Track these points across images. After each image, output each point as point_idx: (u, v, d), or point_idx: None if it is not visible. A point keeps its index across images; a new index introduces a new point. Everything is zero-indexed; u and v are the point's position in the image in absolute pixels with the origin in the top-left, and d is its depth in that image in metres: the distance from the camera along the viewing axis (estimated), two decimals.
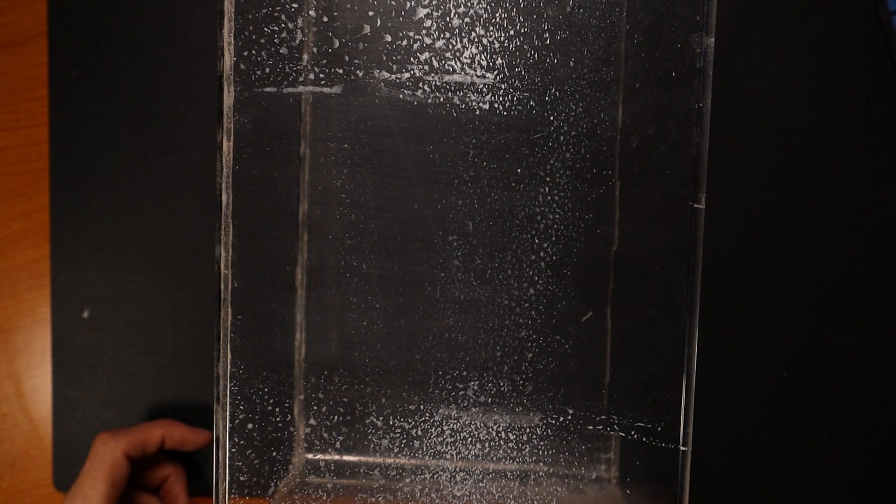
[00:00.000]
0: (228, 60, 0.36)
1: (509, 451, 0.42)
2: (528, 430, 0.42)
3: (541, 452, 0.42)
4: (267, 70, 0.39)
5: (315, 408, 0.43)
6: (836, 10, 0.46)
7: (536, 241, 0.42)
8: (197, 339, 0.49)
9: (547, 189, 0.41)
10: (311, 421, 0.43)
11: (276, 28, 0.38)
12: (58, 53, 0.49)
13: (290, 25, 0.39)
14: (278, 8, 0.38)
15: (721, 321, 0.47)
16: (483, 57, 0.40)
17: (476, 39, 0.40)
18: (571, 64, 0.40)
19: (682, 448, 0.37)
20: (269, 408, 0.41)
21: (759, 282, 0.47)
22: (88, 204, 0.49)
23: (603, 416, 0.42)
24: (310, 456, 0.43)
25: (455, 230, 0.42)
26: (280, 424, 0.42)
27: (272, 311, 0.42)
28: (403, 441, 0.42)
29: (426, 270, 0.42)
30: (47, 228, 0.49)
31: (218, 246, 0.36)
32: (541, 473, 0.42)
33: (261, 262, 0.41)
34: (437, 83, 0.40)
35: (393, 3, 0.39)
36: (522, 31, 0.40)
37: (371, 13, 0.40)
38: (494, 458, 0.42)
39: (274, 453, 0.42)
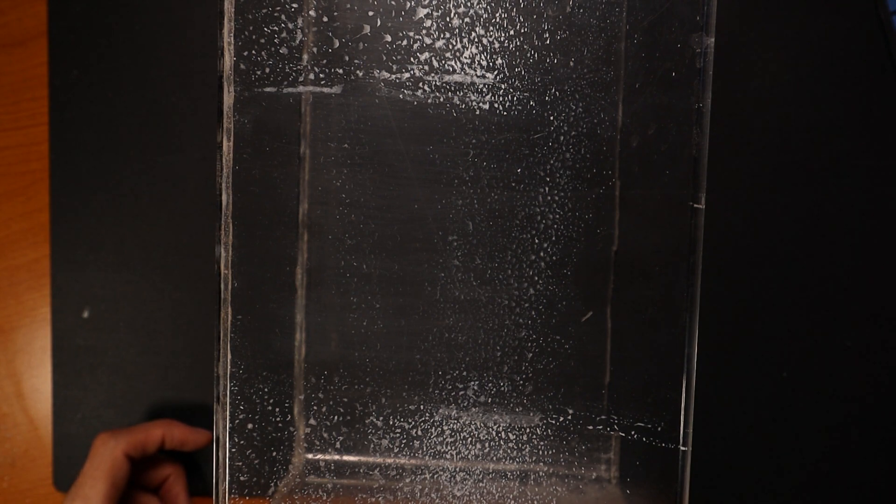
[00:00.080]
0: (228, 60, 0.36)
1: (509, 451, 0.42)
2: (528, 430, 0.42)
3: (541, 452, 0.42)
4: (267, 70, 0.39)
5: (315, 408, 0.43)
6: (836, 10, 0.46)
7: (536, 241, 0.42)
8: (197, 339, 0.49)
9: (547, 189, 0.41)
10: (311, 421, 0.43)
11: (276, 28, 0.38)
12: (58, 53, 0.49)
13: (290, 25, 0.39)
14: (278, 8, 0.38)
15: (721, 321, 0.47)
16: (483, 57, 0.40)
17: (476, 39, 0.40)
18: (571, 64, 0.40)
19: (682, 448, 0.37)
20: (269, 408, 0.41)
21: (759, 282, 0.47)
22: (88, 204, 0.49)
23: (603, 416, 0.42)
24: (310, 456, 0.43)
25: (455, 230, 0.42)
26: (280, 424, 0.42)
27: (272, 311, 0.42)
28: (403, 441, 0.42)
29: (426, 270, 0.42)
30: (47, 228, 0.49)
31: (218, 246, 0.36)
32: (541, 473, 0.42)
33: (261, 262, 0.41)
34: (437, 83, 0.40)
35: (393, 3, 0.39)
36: (522, 31, 0.40)
37: (371, 13, 0.40)
38: (494, 458, 0.42)
39: (274, 453, 0.42)
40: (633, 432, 0.41)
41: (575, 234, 0.42)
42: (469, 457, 0.42)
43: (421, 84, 0.40)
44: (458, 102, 0.40)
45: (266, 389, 0.41)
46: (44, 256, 0.50)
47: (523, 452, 0.42)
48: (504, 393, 0.42)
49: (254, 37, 0.38)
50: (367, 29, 0.40)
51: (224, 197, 0.36)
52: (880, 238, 0.47)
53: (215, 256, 0.36)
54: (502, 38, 0.40)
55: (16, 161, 0.50)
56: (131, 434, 0.43)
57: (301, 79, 0.40)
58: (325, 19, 0.40)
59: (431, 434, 0.42)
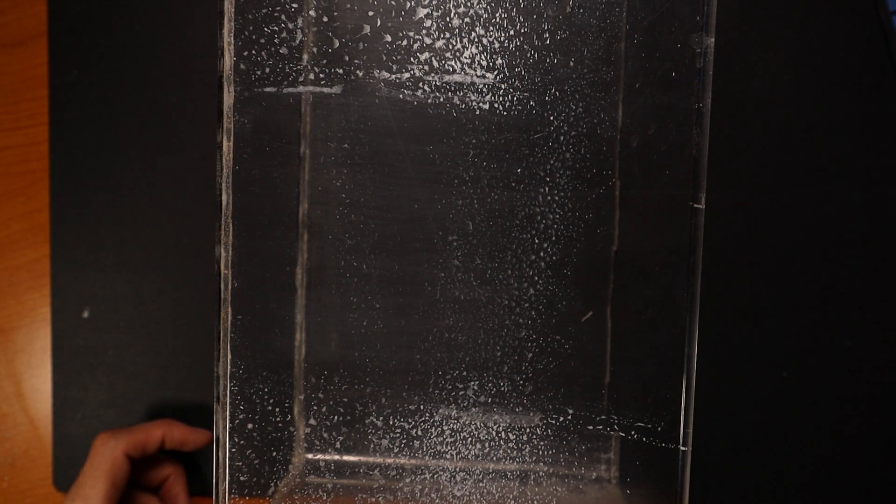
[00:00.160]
0: (228, 60, 0.36)
1: (509, 451, 0.42)
2: (528, 430, 0.42)
3: (541, 452, 0.42)
4: (267, 70, 0.39)
5: (315, 408, 0.43)
6: (836, 10, 0.46)
7: (536, 241, 0.42)
8: (197, 339, 0.49)
9: (547, 189, 0.41)
10: (311, 421, 0.43)
11: (276, 28, 0.38)
12: (58, 53, 0.49)
13: (290, 25, 0.39)
14: (278, 8, 0.38)
15: (721, 321, 0.47)
16: (483, 57, 0.40)
17: (476, 39, 0.40)
18: (571, 64, 0.40)
19: (682, 448, 0.37)
20: (269, 408, 0.41)
21: (759, 281, 0.47)
22: (88, 204, 0.49)
23: (603, 416, 0.42)
24: (310, 456, 0.43)
25: (455, 230, 0.42)
26: (280, 424, 0.42)
27: (272, 311, 0.42)
28: (403, 441, 0.42)
29: (426, 270, 0.42)
30: (47, 228, 0.49)
31: (218, 246, 0.36)
32: (541, 473, 0.42)
33: (261, 262, 0.41)
34: (437, 83, 0.40)
35: (393, 3, 0.39)
36: (522, 31, 0.40)
37: (371, 13, 0.40)
38: (494, 458, 0.42)
39: (274, 453, 0.42)
40: (633, 432, 0.41)
41: (575, 234, 0.42)
42: (469, 457, 0.42)
43: (421, 84, 0.40)
44: (458, 102, 0.40)
45: (266, 389, 0.41)
46: (44, 256, 0.50)
47: (523, 452, 0.42)
48: (504, 393, 0.42)
49: (254, 37, 0.38)
50: (367, 29, 0.40)
51: (224, 197, 0.36)
52: (880, 238, 0.47)
53: (215, 256, 0.36)
54: (502, 38, 0.40)
55: (16, 161, 0.50)
56: (131, 434, 0.43)
57: (301, 79, 0.40)
58: (325, 19, 0.40)
59: (431, 434, 0.42)
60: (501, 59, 0.40)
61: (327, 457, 0.43)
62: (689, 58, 0.36)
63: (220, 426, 0.37)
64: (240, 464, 0.39)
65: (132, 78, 0.48)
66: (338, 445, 0.43)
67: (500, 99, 0.40)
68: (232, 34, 0.36)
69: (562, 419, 0.42)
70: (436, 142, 0.41)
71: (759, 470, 0.47)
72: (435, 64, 0.40)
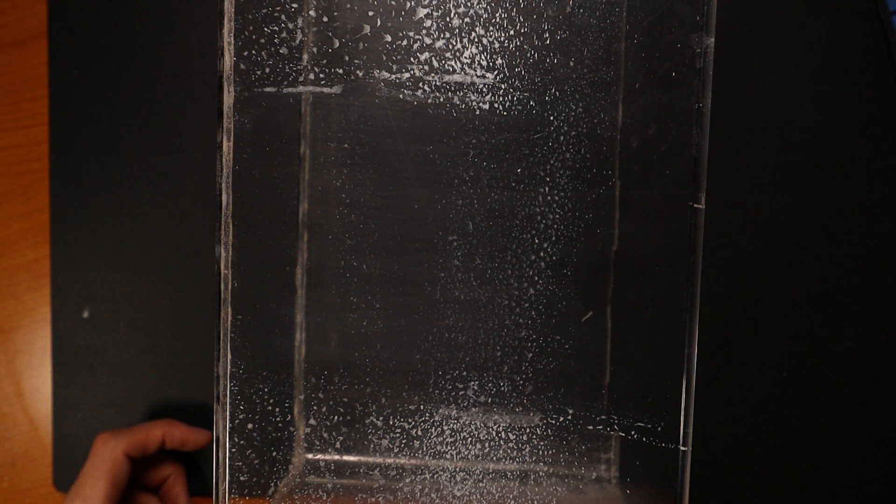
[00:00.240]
0: (228, 60, 0.36)
1: (509, 451, 0.42)
2: (528, 430, 0.42)
3: (541, 452, 0.42)
4: (267, 70, 0.39)
5: (315, 408, 0.43)
6: (836, 10, 0.46)
7: (536, 241, 0.42)
8: (197, 339, 0.49)
9: (547, 189, 0.41)
10: (311, 421, 0.43)
11: (276, 28, 0.38)
12: (58, 53, 0.49)
13: (290, 25, 0.39)
14: (278, 8, 0.38)
15: (721, 321, 0.47)
16: (483, 57, 0.40)
17: (476, 39, 0.40)
18: (571, 64, 0.40)
19: (682, 448, 0.37)
20: (269, 408, 0.41)
21: (759, 281, 0.47)
22: (88, 204, 0.49)
23: (603, 416, 0.42)
24: (310, 456, 0.43)
25: (455, 230, 0.42)
26: (280, 424, 0.42)
27: (272, 311, 0.42)
28: (403, 441, 0.42)
29: (426, 270, 0.42)
30: (47, 228, 0.49)
31: (218, 246, 0.36)
32: (541, 473, 0.42)
33: (261, 262, 0.41)
34: (437, 83, 0.40)
35: (393, 3, 0.39)
36: (522, 31, 0.40)
37: (371, 13, 0.40)
38: (494, 458, 0.42)
39: (274, 453, 0.42)
40: (633, 432, 0.41)
41: (575, 234, 0.42)
42: (469, 457, 0.42)
43: (421, 84, 0.40)
44: (458, 102, 0.40)
45: (266, 389, 0.41)
46: (44, 256, 0.50)
47: (523, 452, 0.42)
48: (504, 393, 0.42)
49: (254, 37, 0.38)
50: (367, 29, 0.40)
51: (224, 197, 0.36)
52: (880, 238, 0.47)
53: (215, 256, 0.36)
54: (502, 38, 0.40)
55: (16, 161, 0.50)
56: (132, 434, 0.43)
57: (301, 79, 0.40)
58: (325, 19, 0.40)
59: (431, 434, 0.42)
60: (501, 59, 0.40)
61: (327, 457, 0.43)
62: (689, 58, 0.36)
63: (220, 426, 0.37)
64: (240, 464, 0.39)
65: (132, 78, 0.48)
66: (338, 445, 0.43)
67: (500, 99, 0.40)
68: (232, 34, 0.36)
69: (562, 419, 0.42)
70: (436, 142, 0.41)
71: (759, 470, 0.47)
72: (435, 64, 0.40)
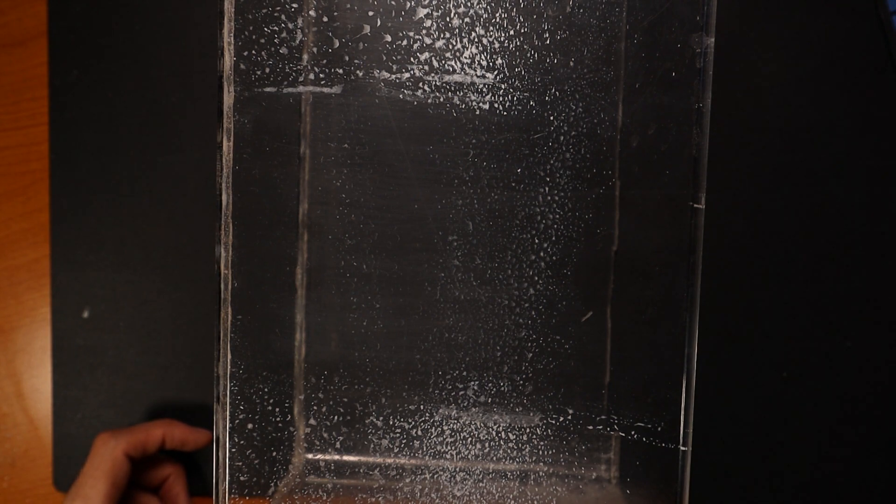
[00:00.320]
0: (228, 60, 0.36)
1: (509, 451, 0.42)
2: (528, 430, 0.42)
3: (541, 452, 0.42)
4: (267, 70, 0.39)
5: (315, 408, 0.43)
6: (836, 10, 0.46)
7: (536, 241, 0.42)
8: (197, 339, 0.49)
9: (547, 189, 0.41)
10: (311, 421, 0.43)
11: (276, 28, 0.38)
12: (58, 53, 0.49)
13: (290, 25, 0.39)
14: (278, 8, 0.38)
15: (721, 321, 0.47)
16: (483, 57, 0.40)
17: (476, 39, 0.40)
18: (571, 64, 0.40)
19: (682, 448, 0.37)
20: (269, 408, 0.41)
21: (759, 281, 0.47)
22: (88, 204, 0.49)
23: (603, 416, 0.42)
24: (310, 456, 0.43)
25: (455, 230, 0.42)
26: (280, 424, 0.42)
27: (272, 311, 0.42)
28: (403, 441, 0.42)
29: (426, 270, 0.42)
30: (47, 228, 0.49)
31: (218, 246, 0.36)
32: (541, 473, 0.42)
33: (261, 262, 0.41)
34: (437, 83, 0.40)
35: (393, 3, 0.39)
36: (522, 31, 0.40)
37: (371, 13, 0.40)
38: (494, 458, 0.42)
39: (274, 453, 0.42)
40: (633, 432, 0.41)
41: (575, 234, 0.42)
42: (469, 457, 0.42)
43: (421, 84, 0.40)
44: (458, 102, 0.40)
45: (266, 389, 0.41)
46: (44, 256, 0.50)
47: (523, 452, 0.42)
48: (504, 393, 0.42)
49: (254, 37, 0.38)
50: (367, 29, 0.40)
51: (224, 197, 0.36)
52: (880, 238, 0.47)
53: (215, 256, 0.36)
54: (502, 38, 0.40)
55: (16, 161, 0.50)
56: (132, 434, 0.43)
57: (301, 79, 0.40)
58: (325, 19, 0.40)
59: (431, 434, 0.42)
60: (501, 59, 0.40)
61: (327, 457, 0.43)
62: (689, 58, 0.36)
63: (220, 426, 0.37)
64: (240, 464, 0.39)
65: (132, 78, 0.48)
66: (338, 445, 0.43)
67: (500, 99, 0.40)
68: (232, 34, 0.36)
69: (562, 419, 0.42)
70: (436, 142, 0.41)
71: (759, 470, 0.47)
72: (435, 64, 0.40)
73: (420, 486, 0.42)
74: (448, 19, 0.39)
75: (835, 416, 0.47)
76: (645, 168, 0.41)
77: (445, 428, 0.42)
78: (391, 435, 0.42)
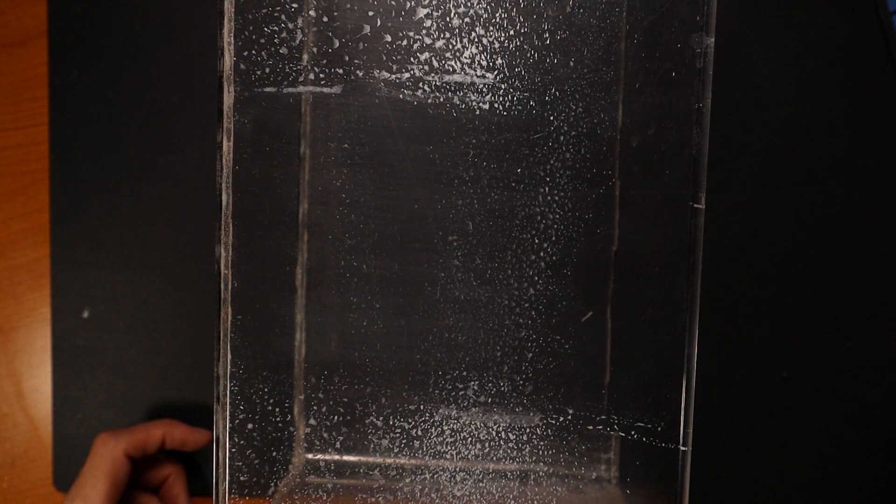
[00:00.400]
0: (228, 60, 0.36)
1: (509, 451, 0.42)
2: (528, 430, 0.42)
3: (541, 452, 0.42)
4: (267, 70, 0.39)
5: (315, 408, 0.43)
6: (836, 10, 0.46)
7: (536, 241, 0.42)
8: (197, 339, 0.49)
9: (547, 189, 0.41)
10: (311, 421, 0.43)
11: (276, 28, 0.38)
12: (58, 53, 0.49)
13: (290, 25, 0.39)
14: (278, 8, 0.38)
15: (721, 321, 0.47)
16: (483, 57, 0.40)
17: (476, 39, 0.40)
18: (571, 64, 0.40)
19: (682, 448, 0.37)
20: (269, 408, 0.41)
21: (759, 281, 0.47)
22: (88, 204, 0.49)
23: (603, 416, 0.42)
24: (310, 456, 0.43)
25: (455, 230, 0.42)
26: (280, 424, 0.42)
27: (272, 311, 0.42)
28: (403, 441, 0.42)
29: (426, 270, 0.42)
30: (47, 228, 0.49)
31: (218, 246, 0.36)
32: (541, 473, 0.42)
33: (261, 262, 0.41)
34: (437, 83, 0.40)
35: (393, 3, 0.39)
36: (522, 31, 0.40)
37: (371, 13, 0.40)
38: (494, 458, 0.42)
39: (274, 453, 0.42)
40: (633, 432, 0.41)
41: (575, 234, 0.42)
42: (469, 457, 0.42)
43: (421, 84, 0.40)
44: (458, 102, 0.40)
45: (266, 389, 0.41)
46: (44, 256, 0.50)
47: (523, 452, 0.42)
48: (504, 393, 0.42)
49: (254, 37, 0.38)
50: (367, 29, 0.40)
51: (224, 197, 0.36)
52: (880, 238, 0.47)
53: (215, 256, 0.36)
54: (502, 38, 0.40)
55: (16, 161, 0.50)
56: (132, 434, 0.43)
57: (301, 79, 0.40)
58: (325, 19, 0.40)
59: (431, 434, 0.42)
60: (501, 59, 0.40)
61: (327, 457, 0.43)
62: (689, 58, 0.36)
63: (220, 426, 0.37)
64: (240, 464, 0.39)
65: (132, 78, 0.48)
66: (338, 445, 0.43)
67: (500, 99, 0.40)
68: (232, 34, 0.36)
69: (562, 419, 0.42)
70: (436, 142, 0.41)
71: (759, 470, 0.47)
72: (435, 64, 0.40)
73: (420, 486, 0.42)
74: (448, 19, 0.39)
75: (835, 416, 0.47)
76: (645, 168, 0.41)
77: (445, 428, 0.42)
78: (391, 435, 0.42)
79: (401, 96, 0.40)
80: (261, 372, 0.40)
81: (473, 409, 0.42)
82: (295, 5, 0.39)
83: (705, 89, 0.36)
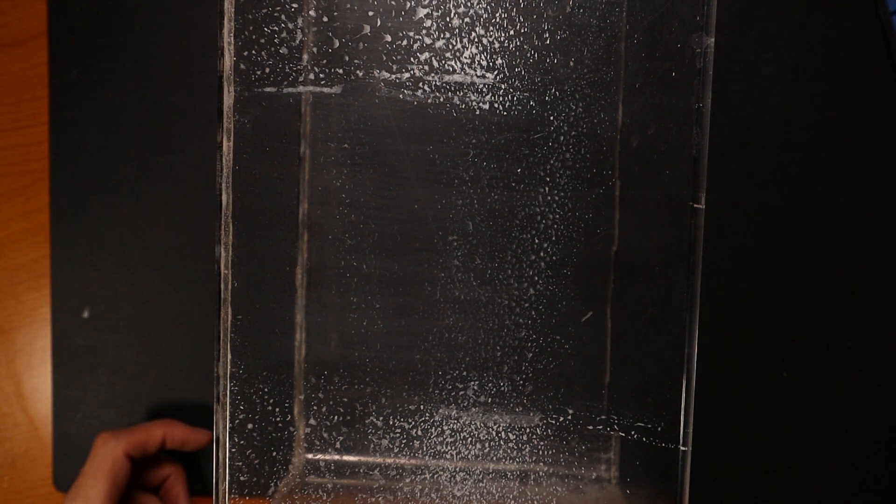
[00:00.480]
0: (228, 60, 0.36)
1: (509, 451, 0.42)
2: (528, 430, 0.42)
3: (541, 452, 0.42)
4: (267, 70, 0.39)
5: (315, 408, 0.43)
6: (836, 10, 0.46)
7: (536, 241, 0.42)
8: (197, 339, 0.49)
9: (547, 189, 0.41)
10: (311, 421, 0.43)
11: (276, 28, 0.38)
12: (58, 53, 0.49)
13: (290, 25, 0.39)
14: (278, 8, 0.38)
15: (721, 321, 0.47)
16: (483, 57, 0.40)
17: (476, 39, 0.40)
18: (571, 64, 0.40)
19: (682, 448, 0.37)
20: (269, 408, 0.41)
21: (759, 281, 0.47)
22: (88, 204, 0.49)
23: (603, 416, 0.42)
24: (310, 456, 0.43)
25: (455, 230, 0.42)
26: (280, 424, 0.42)
27: (272, 311, 0.42)
28: (403, 441, 0.42)
29: (426, 270, 0.42)
30: (47, 228, 0.49)
31: (218, 246, 0.36)
32: (541, 473, 0.42)
33: (261, 262, 0.41)
34: (437, 83, 0.40)
35: (393, 3, 0.39)
36: (522, 31, 0.40)
37: (371, 13, 0.40)
38: (494, 458, 0.42)
39: (274, 453, 0.42)
40: (633, 432, 0.41)
41: (575, 234, 0.42)
42: (469, 457, 0.42)
43: (421, 84, 0.40)
44: (458, 102, 0.40)
45: (266, 389, 0.41)
46: (44, 256, 0.50)
47: (523, 452, 0.42)
48: (504, 393, 0.42)
49: (254, 37, 0.38)
50: (367, 29, 0.40)
51: (224, 197, 0.36)
52: (880, 238, 0.47)
53: (215, 256, 0.36)
54: (502, 38, 0.40)
55: (16, 161, 0.50)
56: (132, 434, 0.43)
57: (301, 79, 0.40)
58: (325, 19, 0.40)
59: (431, 434, 0.42)
60: (501, 59, 0.40)
61: (327, 457, 0.43)
62: (689, 58, 0.36)
63: (220, 426, 0.37)
64: (240, 464, 0.39)
65: (132, 78, 0.48)
66: (338, 445, 0.43)
67: (500, 99, 0.40)
68: (232, 34, 0.36)
69: (562, 419, 0.42)
70: (436, 142, 0.41)
71: (759, 470, 0.47)
72: (435, 64, 0.40)
73: (420, 486, 0.42)
74: (448, 19, 0.39)
75: (835, 415, 0.47)
76: (645, 168, 0.41)
77: (445, 428, 0.42)
78: (391, 435, 0.42)
79: (401, 96, 0.40)
80: (261, 372, 0.40)
81: (473, 409, 0.42)
82: (295, 5, 0.39)
83: (705, 89, 0.36)
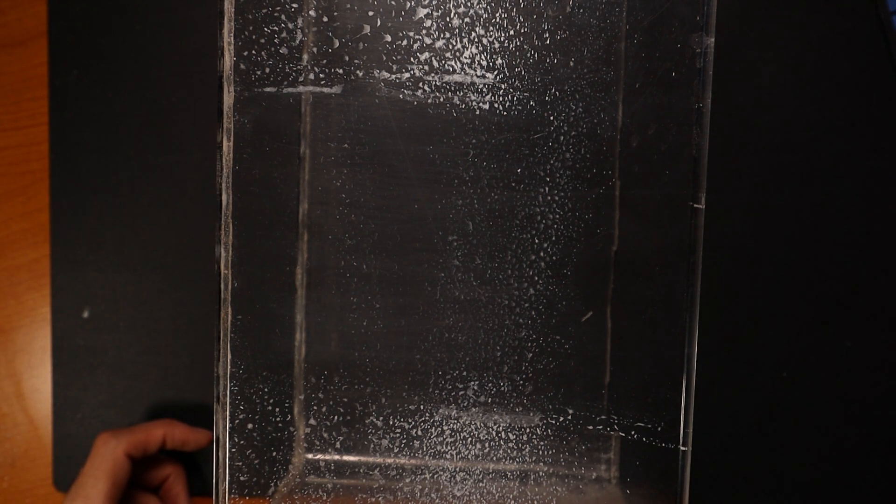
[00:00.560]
0: (228, 60, 0.36)
1: (509, 451, 0.42)
2: (528, 430, 0.42)
3: (541, 452, 0.42)
4: (267, 70, 0.39)
5: (315, 408, 0.43)
6: (836, 10, 0.46)
7: (536, 241, 0.42)
8: (197, 339, 0.49)
9: (547, 189, 0.41)
10: (311, 421, 0.43)
11: (276, 28, 0.38)
12: (58, 53, 0.49)
13: (290, 25, 0.39)
14: (278, 8, 0.38)
15: (721, 321, 0.47)
16: (483, 57, 0.40)
17: (476, 39, 0.40)
18: (571, 64, 0.40)
19: (682, 448, 0.37)
20: (269, 408, 0.41)
21: (759, 281, 0.47)
22: (88, 204, 0.49)
23: (603, 416, 0.42)
24: (310, 456, 0.43)
25: (455, 230, 0.42)
26: (280, 424, 0.42)
27: (272, 311, 0.42)
28: (403, 441, 0.42)
29: (426, 270, 0.42)
30: (47, 228, 0.49)
31: (218, 246, 0.36)
32: (541, 473, 0.42)
33: (261, 262, 0.41)
34: (437, 83, 0.40)
35: (393, 3, 0.39)
36: (522, 31, 0.40)
37: (371, 13, 0.40)
38: (494, 458, 0.42)
39: (274, 453, 0.42)
40: (633, 432, 0.41)
41: (575, 234, 0.42)
42: (469, 457, 0.42)
43: (421, 84, 0.40)
44: (458, 102, 0.40)
45: (266, 389, 0.41)
46: (44, 256, 0.50)
47: (523, 452, 0.42)
48: (504, 393, 0.42)
49: (254, 37, 0.38)
50: (367, 29, 0.40)
51: (224, 197, 0.36)
52: (880, 238, 0.47)
53: (215, 256, 0.36)
54: (502, 38, 0.40)
55: (16, 161, 0.50)
56: (132, 434, 0.43)
57: (301, 79, 0.40)
58: (325, 19, 0.40)
59: (431, 434, 0.42)
60: (501, 59, 0.40)
61: (327, 457, 0.43)
62: (689, 58, 0.36)
63: (220, 426, 0.37)
64: (240, 464, 0.39)
65: (132, 78, 0.48)
66: (338, 445, 0.43)
67: (500, 99, 0.40)
68: (232, 34, 0.36)
69: (562, 419, 0.42)
70: (436, 142, 0.41)
71: (759, 470, 0.47)
72: (435, 64, 0.40)
73: (420, 486, 0.42)
74: (448, 19, 0.39)
75: (835, 416, 0.47)
76: (645, 168, 0.41)
77: (445, 428, 0.42)
78: (391, 435, 0.42)
79: (401, 96, 0.40)
80: (261, 372, 0.40)
81: (473, 409, 0.42)
82: (295, 5, 0.39)
83: (705, 89, 0.36)
